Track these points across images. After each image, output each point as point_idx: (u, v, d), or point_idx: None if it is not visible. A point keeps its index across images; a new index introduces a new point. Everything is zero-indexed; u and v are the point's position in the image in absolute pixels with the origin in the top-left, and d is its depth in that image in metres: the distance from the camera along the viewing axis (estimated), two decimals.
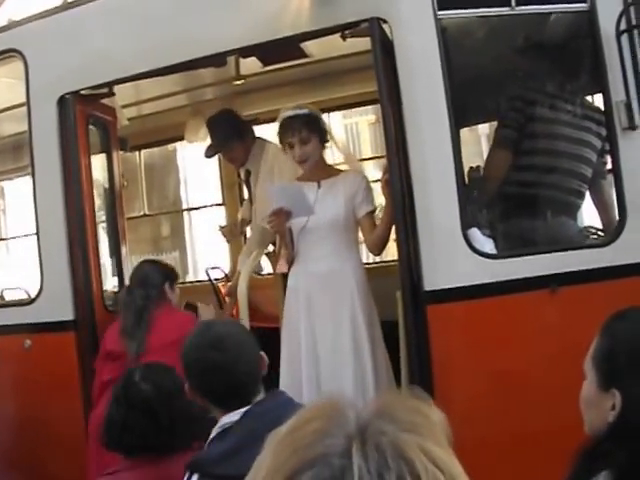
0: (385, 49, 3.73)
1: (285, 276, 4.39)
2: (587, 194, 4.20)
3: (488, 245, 3.77)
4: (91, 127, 4.85)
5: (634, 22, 3.64)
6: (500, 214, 4.17)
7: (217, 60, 4.73)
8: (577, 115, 4.11)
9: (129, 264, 5.14)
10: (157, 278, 4.43)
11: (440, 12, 3.70)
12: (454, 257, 3.67)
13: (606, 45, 3.66)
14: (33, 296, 4.74)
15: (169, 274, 4.55)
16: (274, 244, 4.73)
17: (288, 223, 4.11)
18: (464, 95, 3.92)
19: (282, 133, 4.17)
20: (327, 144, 4.25)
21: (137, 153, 6.99)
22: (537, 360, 3.56)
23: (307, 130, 4.11)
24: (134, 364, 4.02)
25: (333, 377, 3.93)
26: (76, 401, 4.42)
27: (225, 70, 5.41)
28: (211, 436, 2.48)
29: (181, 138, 6.50)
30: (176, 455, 2.77)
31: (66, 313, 4.50)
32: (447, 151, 3.65)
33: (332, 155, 4.59)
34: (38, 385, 4.57)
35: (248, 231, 6.13)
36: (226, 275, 6.42)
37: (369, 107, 8.05)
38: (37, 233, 4.65)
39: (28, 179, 4.79)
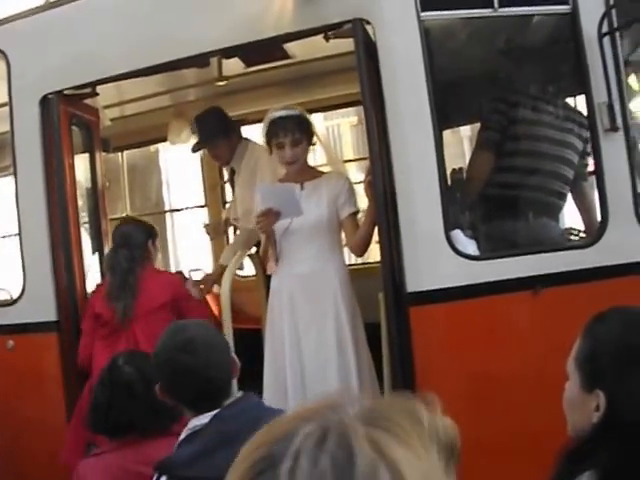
0: (368, 50, 3.72)
1: (268, 277, 4.38)
2: (569, 196, 4.23)
3: (471, 247, 3.79)
4: (74, 127, 4.82)
5: (616, 24, 3.67)
6: (483, 216, 4.18)
7: (200, 61, 4.71)
8: (559, 117, 4.13)
9: None
10: (140, 237, 4.53)
11: (423, 13, 3.70)
12: (437, 259, 3.67)
13: (588, 47, 3.69)
14: (16, 297, 4.71)
15: (150, 231, 4.68)
16: (257, 245, 4.70)
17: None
18: (447, 97, 3.93)
19: (272, 133, 4.10)
20: (313, 146, 4.24)
21: (120, 154, 6.97)
22: (520, 361, 3.57)
23: (299, 131, 4.07)
24: (124, 329, 4.20)
25: (317, 378, 3.92)
26: (59, 401, 4.40)
27: (208, 71, 5.39)
28: (180, 438, 2.48)
29: (164, 139, 6.47)
30: (158, 438, 2.87)
31: (49, 314, 4.48)
32: (430, 153, 3.65)
33: (314, 156, 4.57)
34: (21, 386, 4.55)
35: (231, 231, 6.14)
36: None
37: (351, 109, 8.08)
38: (19, 234, 4.63)
39: (10, 179, 4.76)
